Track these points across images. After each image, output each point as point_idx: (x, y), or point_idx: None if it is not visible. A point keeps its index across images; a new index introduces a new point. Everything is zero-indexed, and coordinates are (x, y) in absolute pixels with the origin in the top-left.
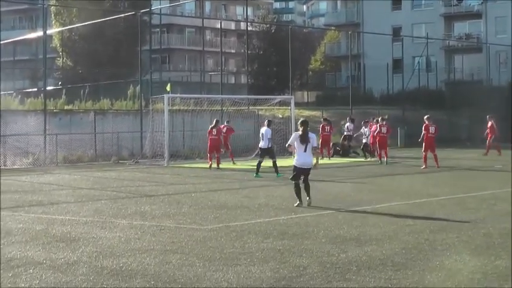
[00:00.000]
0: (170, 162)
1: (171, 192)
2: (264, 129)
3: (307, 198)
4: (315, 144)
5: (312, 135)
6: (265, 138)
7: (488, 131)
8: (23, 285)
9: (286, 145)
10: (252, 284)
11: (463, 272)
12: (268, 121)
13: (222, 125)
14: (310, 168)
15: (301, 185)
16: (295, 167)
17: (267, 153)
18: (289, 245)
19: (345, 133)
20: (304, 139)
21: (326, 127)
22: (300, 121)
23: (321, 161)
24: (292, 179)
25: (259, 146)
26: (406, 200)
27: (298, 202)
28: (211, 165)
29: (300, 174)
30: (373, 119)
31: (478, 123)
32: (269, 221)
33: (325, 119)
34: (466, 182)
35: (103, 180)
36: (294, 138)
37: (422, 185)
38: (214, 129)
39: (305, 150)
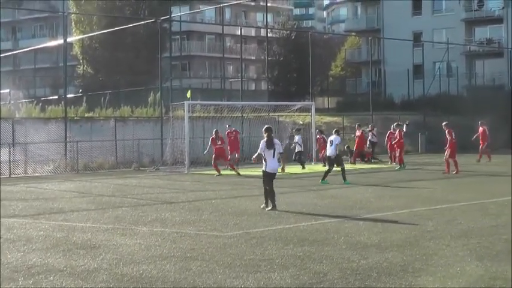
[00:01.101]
0: (190, 169)
1: (192, 199)
2: (333, 137)
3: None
4: (281, 150)
5: (276, 141)
6: (333, 145)
7: (480, 137)
8: None
9: (253, 157)
10: None
11: (484, 278)
12: (336, 130)
13: (228, 131)
14: (275, 174)
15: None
16: (266, 172)
17: (336, 161)
18: (310, 252)
19: (370, 139)
20: (270, 145)
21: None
22: (264, 128)
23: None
24: (265, 184)
25: (327, 154)
26: (427, 205)
27: (264, 205)
28: (219, 171)
29: (272, 179)
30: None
31: (499, 129)
32: (289, 228)
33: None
34: (487, 187)
35: (124, 187)
36: (262, 145)
37: (443, 190)
38: (217, 139)
39: (273, 156)
